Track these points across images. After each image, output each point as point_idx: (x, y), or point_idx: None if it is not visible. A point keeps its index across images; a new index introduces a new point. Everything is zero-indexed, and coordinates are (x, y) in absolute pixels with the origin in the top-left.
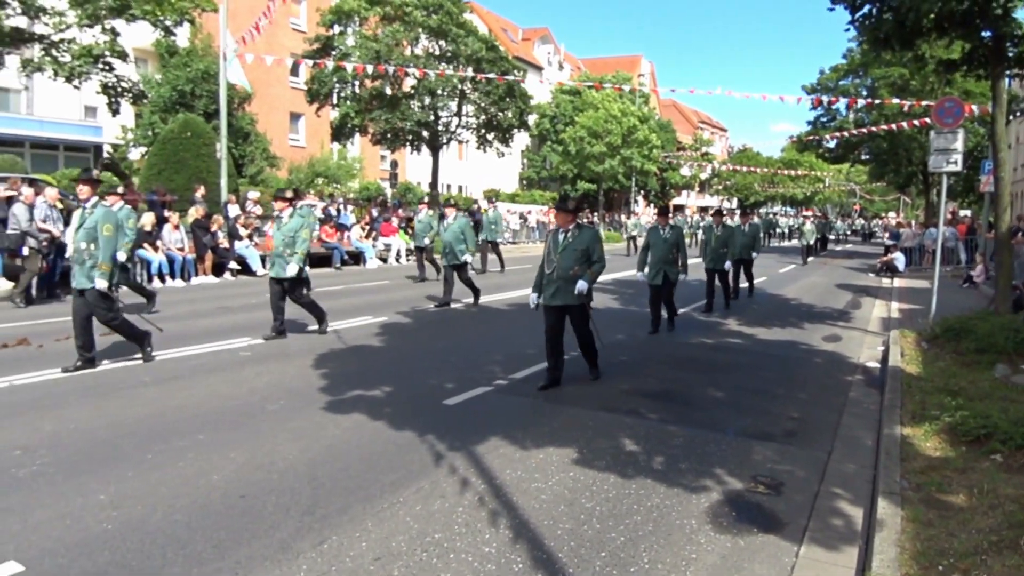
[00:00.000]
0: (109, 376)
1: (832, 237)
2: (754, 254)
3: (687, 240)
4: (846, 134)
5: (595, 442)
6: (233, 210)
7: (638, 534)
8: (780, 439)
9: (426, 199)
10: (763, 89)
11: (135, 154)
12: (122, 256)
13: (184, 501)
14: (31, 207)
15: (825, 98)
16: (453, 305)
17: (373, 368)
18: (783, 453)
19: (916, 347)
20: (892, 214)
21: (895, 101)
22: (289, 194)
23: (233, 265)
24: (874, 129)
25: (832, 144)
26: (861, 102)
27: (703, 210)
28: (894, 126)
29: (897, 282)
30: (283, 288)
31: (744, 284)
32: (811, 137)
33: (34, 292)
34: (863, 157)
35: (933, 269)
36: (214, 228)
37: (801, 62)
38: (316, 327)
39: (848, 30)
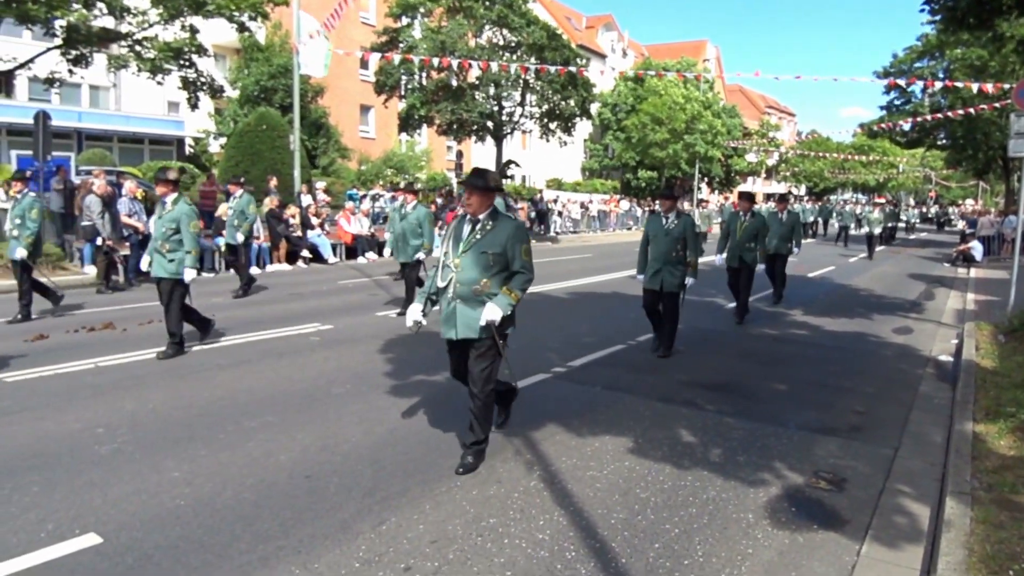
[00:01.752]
0: (186, 359)
1: (902, 225)
2: (794, 249)
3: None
4: (920, 119)
5: (651, 432)
6: (306, 200)
7: (693, 526)
8: (844, 434)
9: (416, 185)
10: (833, 72)
11: (215, 147)
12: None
13: (252, 480)
14: (103, 199)
15: (900, 81)
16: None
17: (437, 354)
18: (847, 448)
19: (992, 340)
20: (970, 201)
21: (973, 84)
22: (172, 175)
23: (305, 253)
24: (950, 114)
25: (907, 127)
26: (938, 84)
27: (769, 197)
28: (972, 110)
29: (974, 272)
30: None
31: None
32: (882, 124)
33: (120, 279)
34: (939, 142)
35: (1012, 259)
36: (287, 217)
37: (873, 45)
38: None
39: (923, 11)
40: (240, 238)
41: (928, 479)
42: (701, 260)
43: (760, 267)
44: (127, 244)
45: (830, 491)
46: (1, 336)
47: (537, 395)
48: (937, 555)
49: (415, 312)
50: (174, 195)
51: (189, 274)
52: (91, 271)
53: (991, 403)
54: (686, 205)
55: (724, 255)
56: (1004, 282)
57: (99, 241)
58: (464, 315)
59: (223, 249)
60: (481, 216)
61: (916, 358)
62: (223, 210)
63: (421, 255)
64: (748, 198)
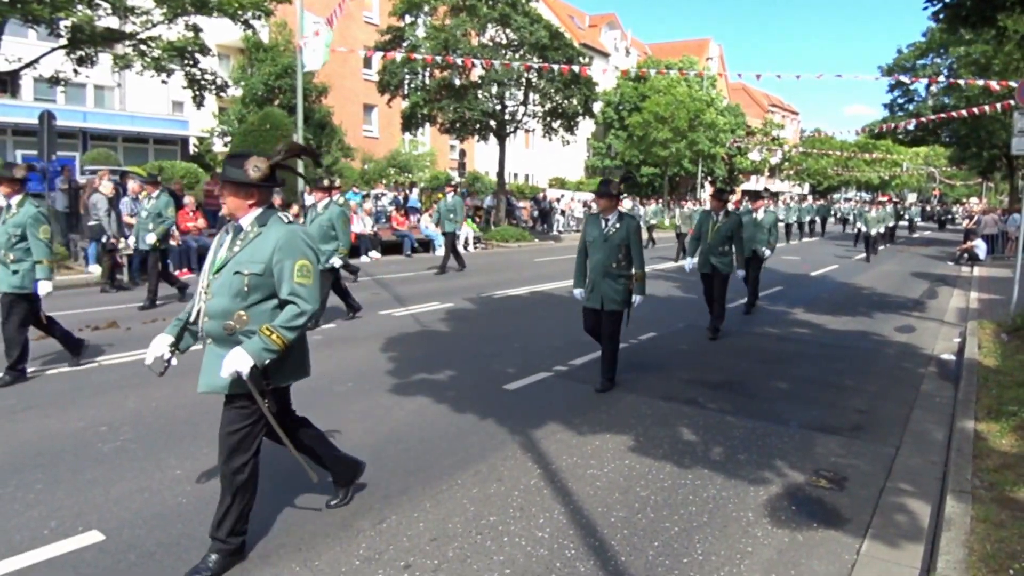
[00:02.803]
0: (190, 358)
1: (903, 223)
2: (766, 252)
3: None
4: (924, 119)
5: (652, 431)
6: (309, 199)
7: (693, 525)
8: (846, 432)
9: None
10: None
11: (219, 146)
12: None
13: None
14: (110, 199)
15: (904, 78)
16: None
17: (438, 352)
18: (848, 447)
19: (995, 339)
20: (974, 199)
21: (977, 82)
22: (19, 173)
23: None
24: (953, 114)
25: (910, 127)
26: (942, 81)
27: (774, 195)
28: (975, 109)
29: (977, 271)
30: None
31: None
32: (885, 125)
33: (125, 278)
34: (943, 140)
35: (1016, 257)
36: (291, 216)
37: (877, 42)
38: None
39: (926, 7)
40: (151, 240)
41: (929, 478)
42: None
43: (739, 273)
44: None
45: (831, 489)
46: None
47: (539, 393)
48: (937, 554)
49: (160, 345)
50: (19, 197)
51: (44, 287)
52: (95, 270)
53: (993, 402)
54: (689, 204)
55: (695, 260)
56: (1007, 280)
57: (104, 240)
58: (213, 362)
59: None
60: (244, 220)
61: (918, 357)
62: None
63: (335, 260)
64: (720, 196)
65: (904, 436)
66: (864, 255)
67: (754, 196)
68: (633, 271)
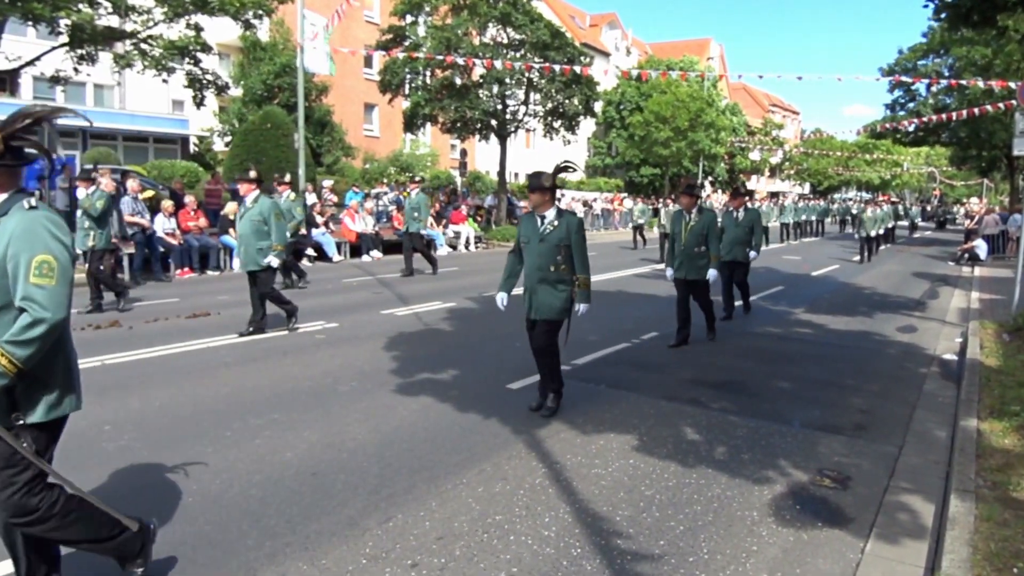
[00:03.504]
0: (193, 357)
1: (904, 224)
2: (752, 254)
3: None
4: (925, 120)
5: (656, 430)
6: (310, 198)
7: (698, 524)
8: (849, 432)
9: (417, 178)
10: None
11: (219, 145)
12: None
13: (259, 477)
14: (112, 197)
15: (904, 79)
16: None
17: (441, 352)
18: (851, 446)
19: (997, 339)
20: (975, 199)
21: (978, 83)
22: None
23: (310, 251)
24: (954, 115)
25: (911, 128)
26: (943, 82)
27: (773, 196)
28: (976, 109)
29: (978, 271)
30: None
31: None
32: (886, 125)
33: (126, 277)
34: (943, 140)
35: (1017, 257)
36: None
37: (878, 42)
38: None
39: (927, 6)
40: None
41: (932, 477)
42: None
43: (711, 274)
44: (132, 243)
45: (834, 489)
46: None
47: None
48: (941, 553)
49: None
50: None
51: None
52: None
53: (995, 402)
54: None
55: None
56: (1009, 281)
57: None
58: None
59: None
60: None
61: (920, 357)
62: (231, 208)
63: (272, 259)
64: (691, 191)
65: (907, 436)
66: (859, 257)
67: (734, 193)
68: (577, 276)
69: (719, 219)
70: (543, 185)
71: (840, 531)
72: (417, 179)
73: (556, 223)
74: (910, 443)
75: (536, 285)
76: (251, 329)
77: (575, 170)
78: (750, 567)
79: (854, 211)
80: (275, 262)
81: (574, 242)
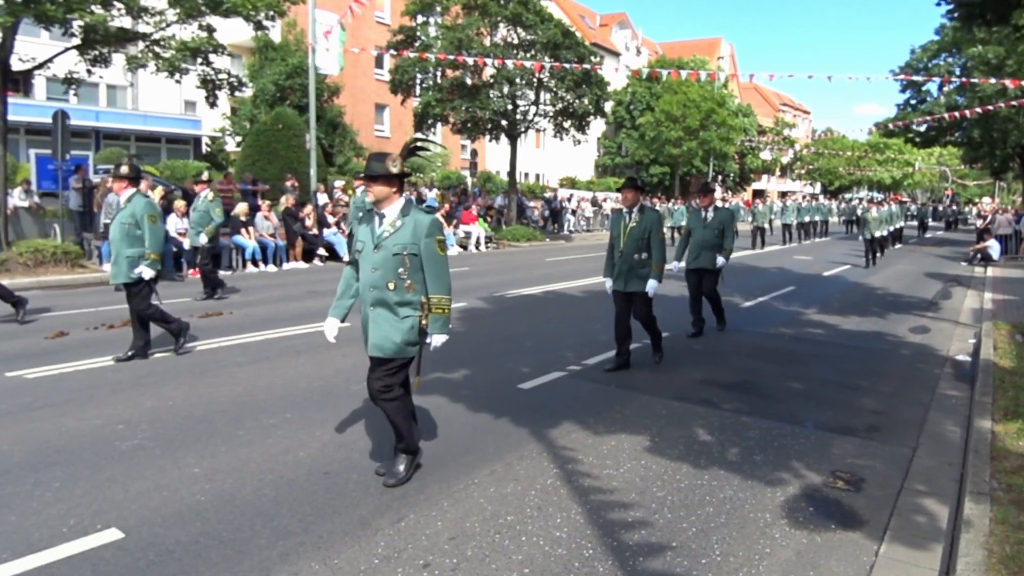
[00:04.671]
0: (205, 356)
1: (913, 224)
2: (720, 260)
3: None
4: (937, 117)
5: (667, 431)
6: (322, 199)
7: (710, 526)
8: (862, 433)
9: (204, 175)
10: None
11: (231, 146)
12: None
13: (272, 476)
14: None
15: (916, 77)
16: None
17: (453, 352)
18: (865, 448)
19: (1010, 340)
20: (987, 199)
21: (991, 81)
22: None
23: (322, 251)
24: (967, 113)
25: (922, 128)
26: (955, 81)
27: (784, 195)
28: (990, 107)
29: (991, 271)
30: None
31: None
32: (898, 123)
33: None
34: (955, 140)
35: None
36: (304, 216)
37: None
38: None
39: (940, 4)
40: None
41: (946, 479)
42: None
43: (651, 286)
44: None
45: (848, 491)
46: (21, 333)
47: (554, 393)
48: (956, 556)
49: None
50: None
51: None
52: (108, 269)
53: (1010, 403)
54: (655, 202)
55: (610, 280)
56: (1022, 281)
57: None
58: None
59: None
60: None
61: (933, 358)
62: (242, 208)
63: (143, 270)
64: (633, 186)
65: (920, 437)
66: (864, 260)
67: (703, 189)
68: (427, 297)
69: (685, 219)
70: (386, 170)
71: (854, 533)
72: (361, 176)
73: (400, 223)
74: (924, 445)
75: (370, 310)
76: (130, 354)
77: (436, 150)
78: (763, 569)
79: (859, 212)
80: (147, 273)
81: (424, 250)
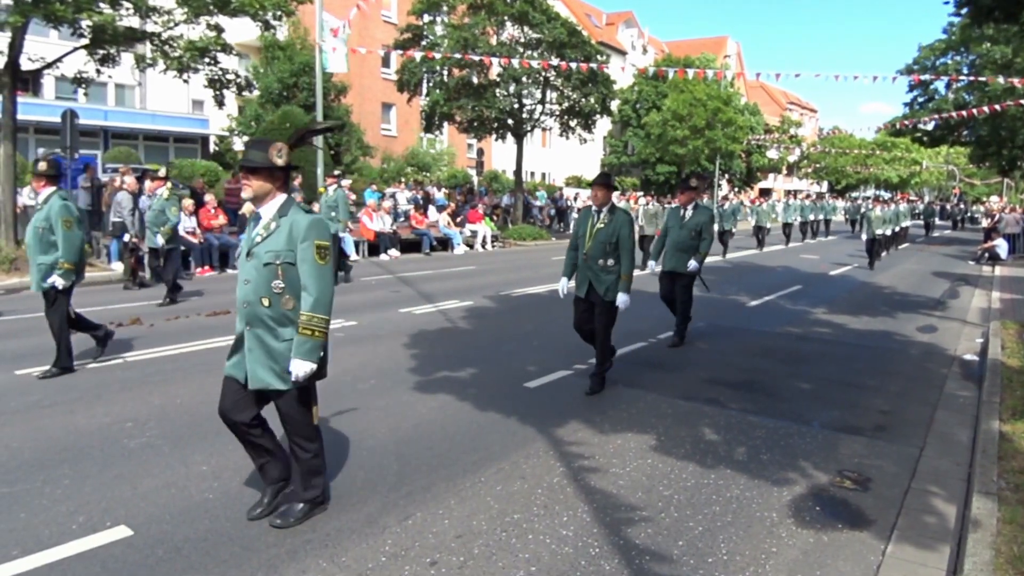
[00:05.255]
0: (213, 354)
1: (919, 223)
2: (691, 264)
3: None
4: (945, 116)
5: (674, 430)
6: None
7: (716, 525)
8: (869, 433)
9: (335, 172)
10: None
11: (239, 145)
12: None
13: None
14: (135, 196)
15: (924, 77)
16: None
17: (459, 350)
18: (872, 447)
19: (1018, 339)
20: (995, 198)
21: (999, 79)
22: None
23: None
24: (975, 111)
25: (930, 127)
26: (963, 79)
27: (790, 193)
28: (998, 106)
29: (999, 270)
30: None
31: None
32: (905, 122)
33: (148, 275)
34: (963, 139)
35: None
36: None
37: (897, 38)
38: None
39: (948, 2)
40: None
41: (954, 479)
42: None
43: (620, 299)
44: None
45: (855, 490)
46: (29, 332)
47: (560, 391)
48: (964, 556)
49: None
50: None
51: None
52: (118, 267)
53: (1018, 403)
54: (653, 201)
55: (565, 283)
56: None
57: (126, 238)
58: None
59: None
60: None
61: (941, 357)
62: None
63: (56, 279)
64: (605, 183)
65: (928, 437)
66: (868, 261)
67: (682, 185)
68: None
69: (664, 218)
70: (268, 162)
71: (861, 533)
72: (336, 173)
73: (275, 225)
74: (931, 444)
75: (246, 330)
76: (53, 370)
77: (333, 129)
78: (769, 568)
79: (863, 210)
80: (59, 283)
81: (300, 257)
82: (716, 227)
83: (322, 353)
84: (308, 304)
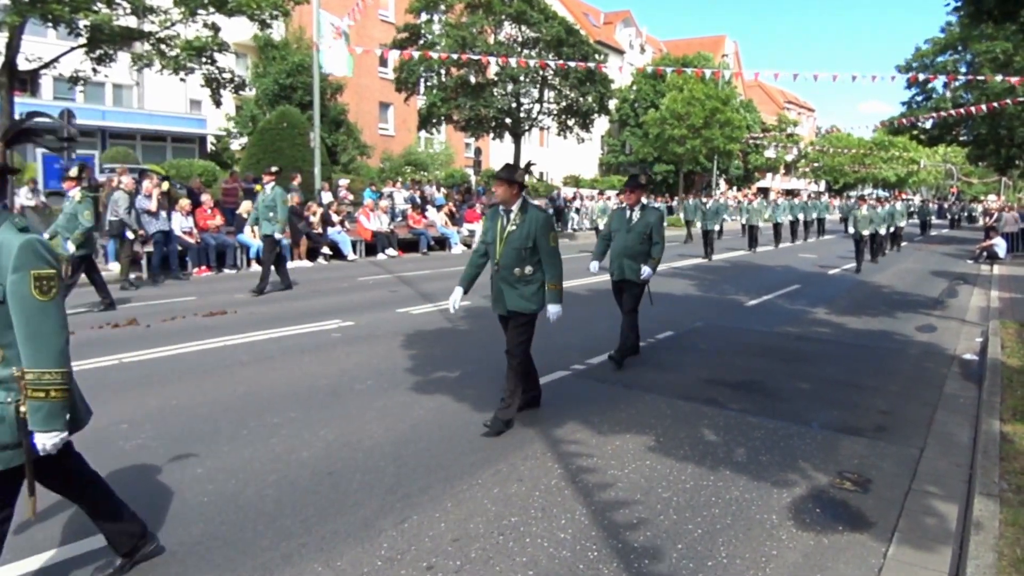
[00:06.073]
0: (210, 355)
1: (914, 222)
2: (644, 271)
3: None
4: (943, 114)
5: (673, 431)
6: (326, 197)
7: (716, 527)
8: (869, 434)
9: (272, 168)
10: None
11: (236, 145)
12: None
13: (275, 477)
14: (131, 195)
15: (921, 76)
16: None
17: (457, 350)
18: (872, 448)
19: (1018, 339)
20: (992, 197)
21: (998, 78)
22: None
23: (326, 250)
24: (973, 109)
25: (928, 125)
26: (961, 79)
27: (788, 193)
28: (996, 104)
29: (997, 269)
30: None
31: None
32: (903, 120)
33: (144, 275)
34: (961, 138)
35: None
36: (308, 214)
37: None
38: None
39: (948, 4)
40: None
41: (955, 480)
42: (692, 261)
43: (551, 311)
44: (151, 241)
45: (855, 492)
46: None
47: (558, 392)
48: (965, 558)
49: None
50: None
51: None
52: (115, 267)
53: (1018, 403)
54: (612, 200)
55: (458, 298)
56: None
57: (129, 234)
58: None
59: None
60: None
61: (941, 356)
62: (246, 207)
63: (70, 247)
64: (506, 177)
65: (928, 437)
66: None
67: (629, 183)
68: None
69: (607, 218)
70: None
71: (862, 535)
72: (273, 169)
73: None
74: (932, 445)
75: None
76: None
77: (54, 132)
78: (770, 572)
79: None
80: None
81: (10, 293)
82: (700, 226)
83: (68, 415)
84: (31, 358)
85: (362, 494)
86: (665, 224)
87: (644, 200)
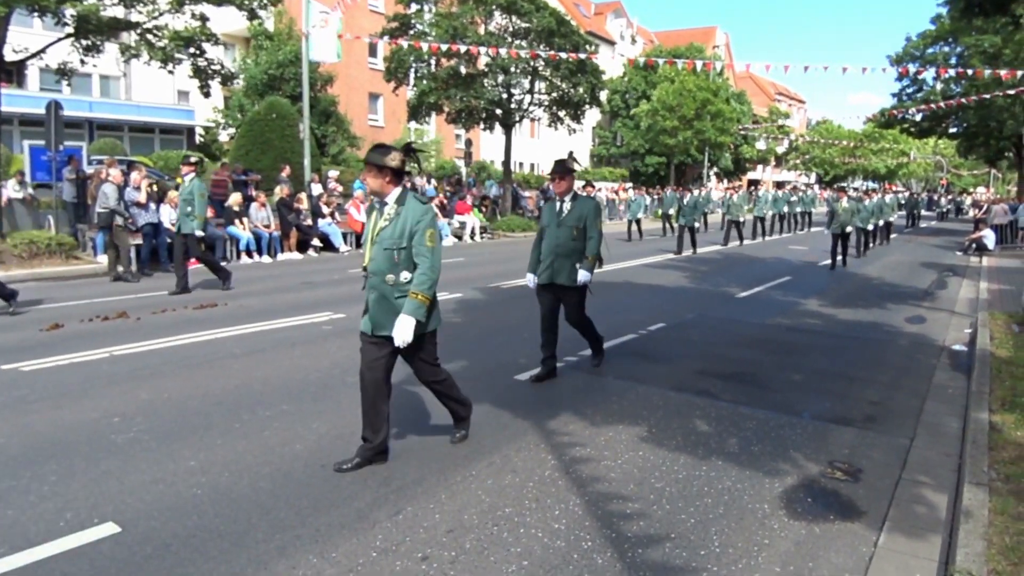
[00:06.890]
0: (201, 348)
1: (901, 213)
2: (582, 275)
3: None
4: (933, 106)
5: (665, 422)
6: (316, 189)
7: (708, 517)
8: (859, 424)
9: (192, 159)
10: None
11: (224, 136)
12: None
13: (268, 469)
14: (120, 187)
15: (912, 67)
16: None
17: (448, 343)
18: (862, 438)
19: (1007, 330)
20: (981, 188)
21: (987, 71)
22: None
23: (316, 242)
24: (963, 101)
25: (918, 117)
26: (951, 71)
27: (779, 185)
28: (987, 96)
29: (986, 261)
30: None
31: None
32: (894, 112)
33: (134, 267)
34: (951, 130)
35: None
36: (298, 206)
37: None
38: None
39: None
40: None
41: (945, 470)
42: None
43: (400, 328)
44: (140, 234)
45: (846, 481)
46: (16, 326)
47: (551, 384)
48: (955, 546)
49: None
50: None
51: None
52: (104, 260)
53: (1007, 393)
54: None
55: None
56: (1018, 271)
57: (119, 221)
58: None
59: None
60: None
61: (930, 347)
62: (235, 199)
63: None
64: (375, 163)
65: (918, 428)
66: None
67: (558, 170)
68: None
69: (542, 213)
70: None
71: (852, 524)
72: (192, 160)
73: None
74: (921, 435)
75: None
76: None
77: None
78: (762, 560)
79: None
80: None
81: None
82: (681, 221)
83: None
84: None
85: (356, 486)
86: (644, 216)
87: (577, 189)
